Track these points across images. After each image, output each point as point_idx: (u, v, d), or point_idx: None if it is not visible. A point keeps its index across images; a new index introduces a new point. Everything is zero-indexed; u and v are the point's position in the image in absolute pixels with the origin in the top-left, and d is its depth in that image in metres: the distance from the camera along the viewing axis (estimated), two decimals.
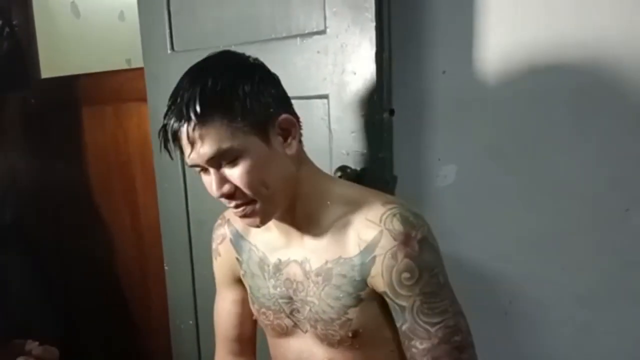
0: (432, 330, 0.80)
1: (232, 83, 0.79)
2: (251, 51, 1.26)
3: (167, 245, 1.62)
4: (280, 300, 0.93)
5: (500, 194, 1.13)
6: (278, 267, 0.92)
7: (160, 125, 0.82)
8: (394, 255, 0.79)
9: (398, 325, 0.83)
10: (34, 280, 1.94)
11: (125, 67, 2.08)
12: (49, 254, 2.18)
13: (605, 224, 1.03)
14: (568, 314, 1.10)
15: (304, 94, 1.16)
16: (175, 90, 0.82)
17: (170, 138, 0.80)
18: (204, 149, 0.77)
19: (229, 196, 0.81)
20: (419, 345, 0.81)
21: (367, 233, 0.82)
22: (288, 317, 0.93)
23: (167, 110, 0.81)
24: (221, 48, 1.31)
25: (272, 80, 0.85)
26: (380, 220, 0.81)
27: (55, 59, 2.17)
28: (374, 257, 0.81)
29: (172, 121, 0.79)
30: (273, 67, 1.23)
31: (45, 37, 2.18)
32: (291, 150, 0.83)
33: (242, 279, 1.01)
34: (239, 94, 0.78)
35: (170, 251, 1.61)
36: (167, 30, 1.45)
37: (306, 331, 0.92)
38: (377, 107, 1.08)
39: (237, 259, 1.00)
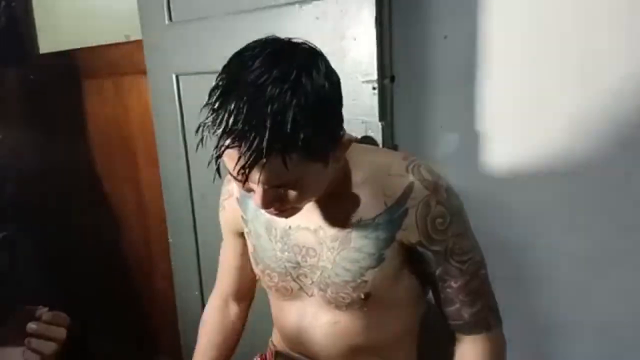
0: (464, 267, 0.85)
1: (312, 109, 0.67)
2: (250, 19, 1.26)
3: (171, 218, 1.63)
4: (287, 264, 0.93)
5: (503, 161, 1.13)
6: (287, 232, 0.91)
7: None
8: (426, 204, 0.82)
9: (431, 271, 0.87)
10: (37, 255, 1.97)
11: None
12: (52, 229, 2.20)
13: (606, 187, 1.03)
14: (569, 280, 1.11)
15: None
16: (237, 99, 0.66)
17: (217, 152, 0.69)
18: (263, 179, 0.69)
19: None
20: (453, 284, 0.86)
21: (393, 187, 0.83)
22: (294, 280, 0.93)
23: (223, 111, 0.67)
24: (220, 17, 1.32)
25: (338, 90, 0.75)
26: (407, 171, 0.83)
27: (52, 34, 2.15)
28: (406, 210, 0.82)
29: (230, 140, 0.67)
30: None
31: (42, 12, 2.16)
32: (341, 161, 0.80)
33: (246, 237, 1.01)
34: (318, 130, 0.69)
35: (174, 223, 1.63)
36: (165, 1, 1.44)
37: (311, 295, 0.93)
38: (377, 74, 1.07)
39: (242, 217, 0.99)
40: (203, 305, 1.62)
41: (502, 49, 1.08)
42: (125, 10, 1.76)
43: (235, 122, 0.65)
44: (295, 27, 1.16)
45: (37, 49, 2.14)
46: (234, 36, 1.27)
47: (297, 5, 1.15)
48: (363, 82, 1.09)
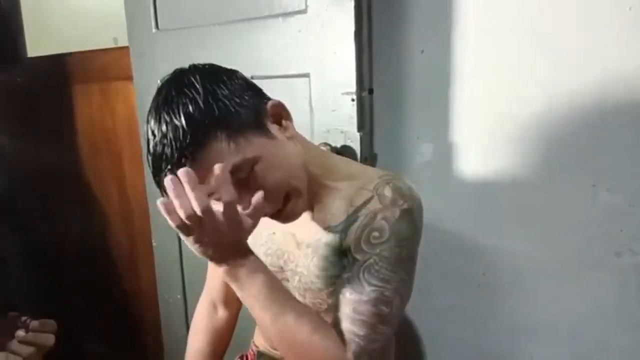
0: (368, 289, 0.79)
1: (209, 94, 0.73)
2: (234, 30, 1.29)
3: (155, 221, 1.65)
4: (270, 268, 0.93)
5: (475, 171, 1.17)
6: (271, 237, 0.95)
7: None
8: (373, 216, 0.81)
9: (344, 276, 0.83)
10: (24, 255, 1.97)
11: (112, 45, 2.08)
12: (39, 230, 2.20)
13: (573, 199, 1.08)
14: (538, 285, 1.15)
15: (285, 72, 1.19)
16: (152, 135, 0.74)
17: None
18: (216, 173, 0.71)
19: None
20: (348, 295, 0.80)
21: (358, 199, 0.84)
22: None
23: (158, 162, 0.73)
24: (205, 27, 1.35)
25: (235, 73, 0.80)
26: (374, 187, 0.83)
27: (41, 38, 2.17)
28: (357, 218, 0.83)
29: (168, 168, 0.72)
30: (256, 46, 1.26)
31: (30, 16, 2.17)
32: (290, 132, 0.82)
33: None
34: (223, 101, 0.73)
35: (158, 227, 1.64)
36: (152, 9, 1.46)
37: None
38: (356, 86, 1.11)
39: None
40: (186, 309, 1.65)
41: (475, 63, 1.13)
42: (113, 13, 1.78)
43: (154, 143, 0.74)
44: (278, 39, 1.19)
45: (26, 52, 2.15)
46: (219, 46, 1.30)
47: (280, 18, 1.19)
48: (342, 93, 1.12)
